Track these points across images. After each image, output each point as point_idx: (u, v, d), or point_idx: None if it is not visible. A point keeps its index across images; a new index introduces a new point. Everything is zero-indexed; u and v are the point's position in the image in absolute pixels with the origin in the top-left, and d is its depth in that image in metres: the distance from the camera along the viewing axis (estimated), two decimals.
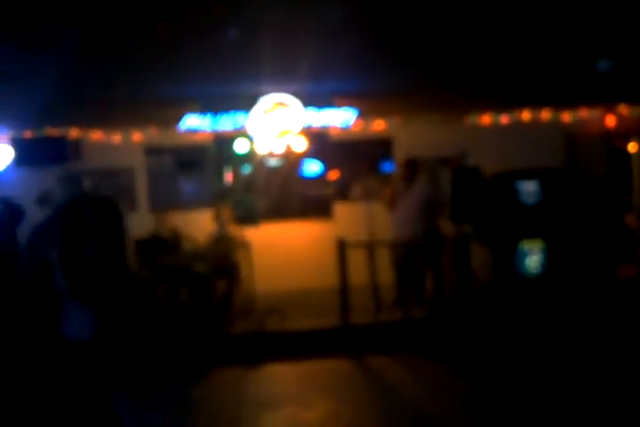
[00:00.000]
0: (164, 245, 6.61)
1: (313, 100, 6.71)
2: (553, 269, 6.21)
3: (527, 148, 7.50)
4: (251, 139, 7.07)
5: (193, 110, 6.79)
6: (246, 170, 8.11)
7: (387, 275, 6.54)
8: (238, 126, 6.89)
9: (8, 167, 7.51)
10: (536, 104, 7.72)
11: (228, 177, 8.03)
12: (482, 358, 5.37)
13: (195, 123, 6.81)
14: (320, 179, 8.24)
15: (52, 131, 7.52)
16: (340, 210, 8.14)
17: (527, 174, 6.50)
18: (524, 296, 6.06)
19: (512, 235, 6.33)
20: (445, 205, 6.56)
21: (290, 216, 8.15)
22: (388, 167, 8.27)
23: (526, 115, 7.90)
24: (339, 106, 6.92)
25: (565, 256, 6.25)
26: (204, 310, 6.27)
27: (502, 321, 5.83)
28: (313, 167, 8.19)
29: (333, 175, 8.19)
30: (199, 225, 7.24)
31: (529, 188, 6.40)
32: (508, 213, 6.45)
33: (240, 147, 7.22)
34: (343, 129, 7.40)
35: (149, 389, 5.14)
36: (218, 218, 6.94)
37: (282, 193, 8.16)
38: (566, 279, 6.13)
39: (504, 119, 7.95)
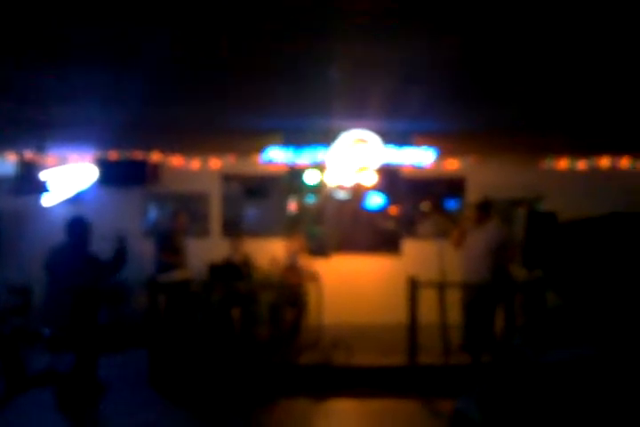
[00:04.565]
0: (237, 272, 6.73)
1: (393, 137, 6.76)
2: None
3: (604, 195, 7.35)
4: (321, 170, 7.18)
5: (275, 143, 6.93)
6: (311, 200, 8.22)
7: (457, 316, 6.46)
8: (317, 161, 6.98)
9: (92, 186, 7.86)
10: (616, 151, 7.60)
11: (292, 206, 8.15)
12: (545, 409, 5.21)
13: (276, 155, 6.95)
14: (383, 212, 8.27)
15: (135, 153, 7.83)
16: (409, 246, 8.13)
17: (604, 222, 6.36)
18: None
19: (586, 284, 6.17)
20: (517, 249, 6.44)
21: (359, 250, 8.18)
22: (455, 205, 8.25)
23: (605, 161, 7.78)
24: (418, 145, 6.95)
25: None
26: (272, 338, 6.33)
27: (572, 371, 5.66)
28: (375, 200, 8.22)
29: (395, 209, 8.20)
30: (263, 252, 7.37)
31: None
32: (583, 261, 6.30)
33: (310, 178, 7.36)
34: (417, 168, 7.40)
35: (215, 413, 5.22)
36: (289, 248, 7.04)
37: (350, 226, 8.22)
38: None
39: (581, 165, 7.85)
